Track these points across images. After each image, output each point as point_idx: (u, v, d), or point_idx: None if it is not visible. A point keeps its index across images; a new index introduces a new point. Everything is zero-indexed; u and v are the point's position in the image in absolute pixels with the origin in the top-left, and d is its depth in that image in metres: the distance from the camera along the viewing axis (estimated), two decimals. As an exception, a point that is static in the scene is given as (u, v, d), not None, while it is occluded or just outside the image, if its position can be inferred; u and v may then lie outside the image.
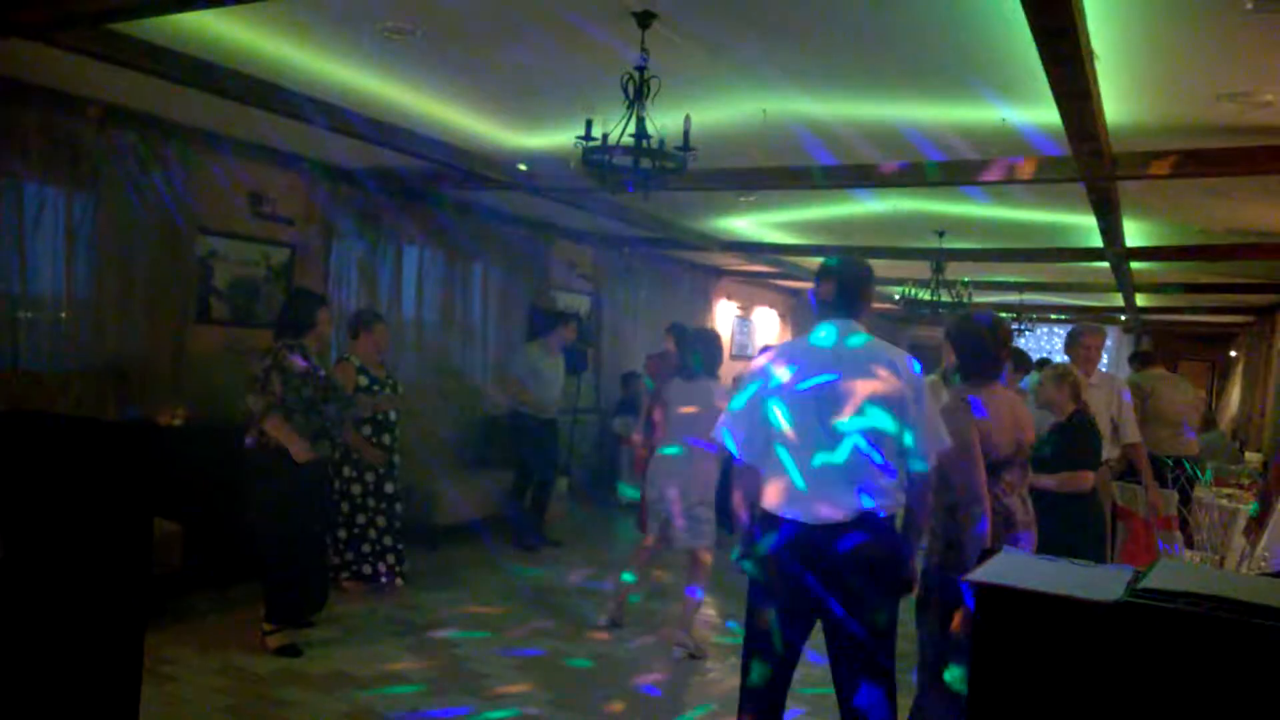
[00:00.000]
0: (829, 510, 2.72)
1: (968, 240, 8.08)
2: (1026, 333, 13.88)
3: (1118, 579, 1.48)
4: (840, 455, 2.73)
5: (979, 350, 3.26)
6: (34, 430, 2.37)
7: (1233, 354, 15.17)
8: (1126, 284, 9.35)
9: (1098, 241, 6.88)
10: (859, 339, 2.85)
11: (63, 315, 4.90)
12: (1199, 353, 16.11)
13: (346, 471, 5.31)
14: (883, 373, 2.76)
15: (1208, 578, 1.49)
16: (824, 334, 2.89)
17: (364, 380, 5.26)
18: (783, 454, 2.81)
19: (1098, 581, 1.45)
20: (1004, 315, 15.95)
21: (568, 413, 7.80)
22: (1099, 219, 5.77)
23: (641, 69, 3.54)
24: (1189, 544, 5.29)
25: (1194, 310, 12.91)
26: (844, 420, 2.73)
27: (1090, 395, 4.62)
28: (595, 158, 3.76)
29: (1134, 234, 7.11)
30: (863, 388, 2.74)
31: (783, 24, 3.35)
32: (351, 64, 4.11)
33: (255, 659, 4.25)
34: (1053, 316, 15.98)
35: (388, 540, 5.44)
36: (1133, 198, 5.54)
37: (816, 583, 2.73)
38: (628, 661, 4.62)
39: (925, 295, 9.06)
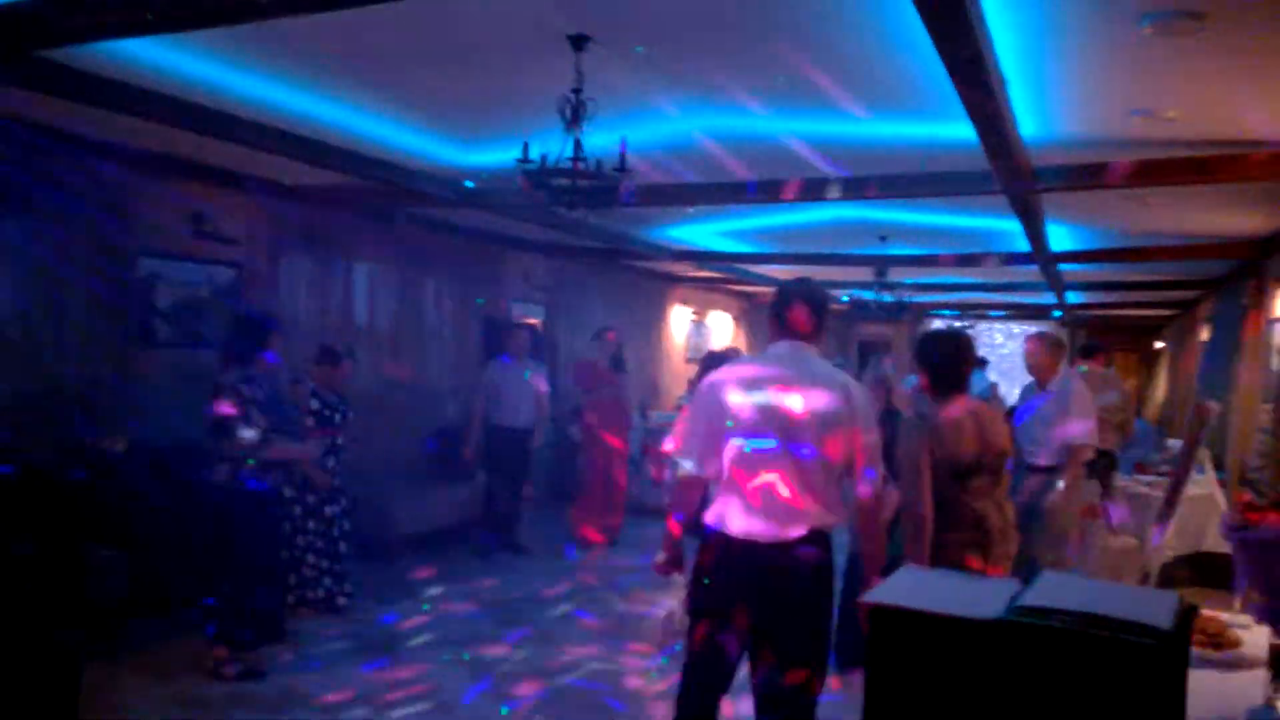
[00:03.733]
0: (769, 527, 2.76)
1: (910, 245, 8.29)
2: (968, 330, 14.28)
3: (1002, 595, 1.56)
4: (783, 474, 2.76)
5: (947, 364, 3.45)
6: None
7: (1158, 345, 15.70)
8: (1057, 284, 9.82)
9: (1027, 246, 7.14)
10: (815, 362, 2.90)
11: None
12: (1131, 344, 16.60)
13: (287, 493, 5.26)
14: (833, 396, 2.79)
15: (1087, 592, 1.57)
16: (779, 354, 2.94)
17: (315, 404, 5.35)
18: (730, 470, 2.83)
19: (983, 598, 1.54)
20: (945, 313, 16.54)
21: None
22: (1024, 226, 5.99)
23: (577, 91, 3.60)
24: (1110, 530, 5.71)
25: (1123, 306, 13.47)
26: (789, 440, 2.76)
27: None
28: (534, 179, 3.83)
29: (1060, 237, 7.40)
30: (812, 410, 2.77)
31: (715, 46, 3.44)
32: (291, 86, 4.12)
33: (206, 684, 4.25)
34: (991, 314, 16.52)
35: (324, 563, 5.44)
36: (1056, 205, 5.76)
37: (750, 597, 2.78)
38: (600, 674, 4.66)
39: (870, 296, 9.59)
